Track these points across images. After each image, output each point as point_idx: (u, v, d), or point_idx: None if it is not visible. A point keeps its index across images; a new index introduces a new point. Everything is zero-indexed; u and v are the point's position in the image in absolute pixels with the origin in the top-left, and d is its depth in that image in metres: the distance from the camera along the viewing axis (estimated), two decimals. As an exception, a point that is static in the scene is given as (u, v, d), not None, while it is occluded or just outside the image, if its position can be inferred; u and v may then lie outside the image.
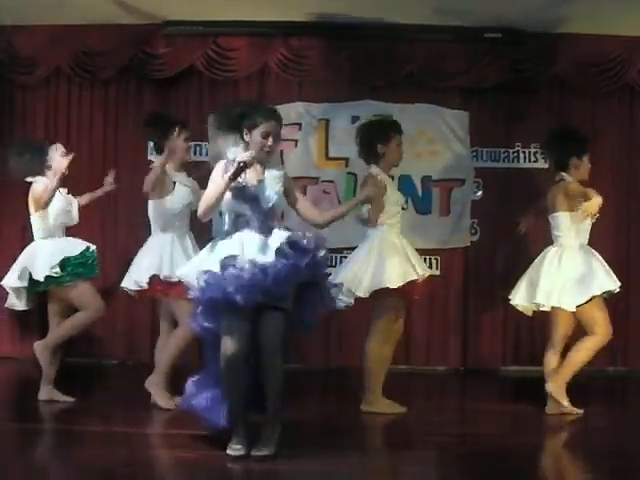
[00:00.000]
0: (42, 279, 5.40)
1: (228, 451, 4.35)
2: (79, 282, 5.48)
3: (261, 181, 4.43)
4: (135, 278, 5.48)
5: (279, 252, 4.28)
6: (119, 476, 4.17)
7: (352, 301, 5.38)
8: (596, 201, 5.17)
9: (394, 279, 5.28)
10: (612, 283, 5.37)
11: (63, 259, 5.42)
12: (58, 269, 5.39)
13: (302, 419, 5.12)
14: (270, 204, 4.41)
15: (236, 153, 4.46)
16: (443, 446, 4.83)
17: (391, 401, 5.45)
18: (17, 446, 4.70)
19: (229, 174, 4.31)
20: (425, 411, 5.71)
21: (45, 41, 6.86)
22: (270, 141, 4.43)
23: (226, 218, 4.47)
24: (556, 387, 5.36)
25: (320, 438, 4.84)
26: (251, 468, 4.26)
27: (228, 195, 4.39)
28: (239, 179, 4.34)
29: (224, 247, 4.38)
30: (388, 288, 5.27)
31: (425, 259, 6.80)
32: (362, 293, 5.31)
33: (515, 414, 5.54)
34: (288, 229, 4.46)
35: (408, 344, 6.99)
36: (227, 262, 4.27)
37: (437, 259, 7.06)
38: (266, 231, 4.38)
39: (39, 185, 5.50)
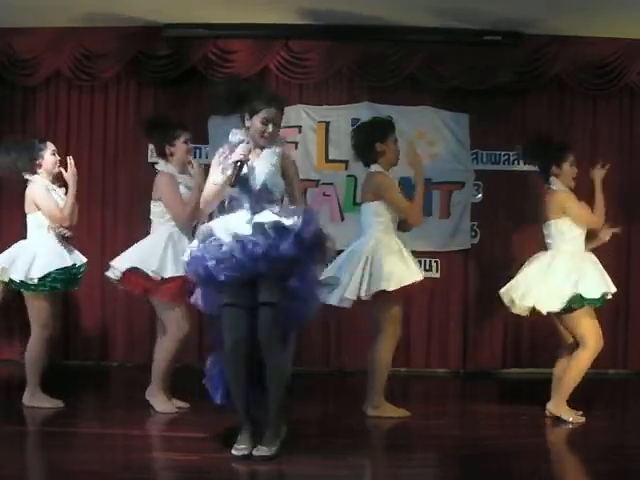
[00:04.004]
0: (18, 281, 5.37)
1: (232, 451, 4.38)
2: (42, 296, 5.41)
3: (252, 162, 4.40)
4: (117, 265, 5.44)
5: (258, 228, 4.25)
6: None
7: (350, 304, 5.37)
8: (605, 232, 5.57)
9: (392, 282, 5.27)
10: (597, 291, 5.29)
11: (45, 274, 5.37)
12: (36, 280, 5.35)
13: (301, 421, 5.11)
14: (259, 185, 4.38)
15: (236, 136, 4.45)
16: (443, 448, 4.84)
17: (394, 406, 5.45)
18: (14, 449, 4.69)
19: (228, 174, 4.32)
20: (425, 414, 5.71)
21: (45, 43, 6.85)
22: (270, 128, 4.41)
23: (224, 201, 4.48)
24: (557, 407, 5.36)
25: (321, 440, 4.85)
26: (253, 470, 4.27)
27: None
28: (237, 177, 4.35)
29: (211, 224, 4.41)
30: (386, 290, 5.27)
31: (425, 261, 6.84)
32: (363, 294, 5.28)
33: (515, 416, 5.53)
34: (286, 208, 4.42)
35: (408, 347, 6.99)
36: (207, 238, 4.31)
37: (437, 261, 7.06)
38: (258, 211, 4.37)
39: (37, 187, 5.48)
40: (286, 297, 4.31)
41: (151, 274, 5.30)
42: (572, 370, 5.32)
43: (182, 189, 5.45)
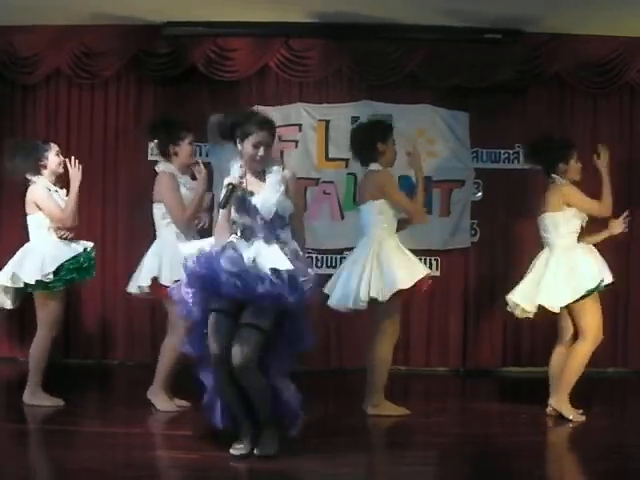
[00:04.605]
0: (33, 282, 5.38)
1: (231, 450, 4.39)
2: (55, 293, 5.44)
3: (260, 191, 4.44)
4: (139, 283, 5.48)
5: (275, 274, 4.27)
6: (120, 478, 4.18)
7: (365, 306, 5.38)
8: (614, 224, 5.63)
9: (406, 280, 5.30)
10: (594, 281, 5.32)
11: (57, 266, 5.39)
12: (51, 275, 5.37)
13: (303, 420, 5.12)
14: (271, 215, 4.41)
15: (236, 165, 4.46)
16: (443, 447, 4.85)
17: (394, 405, 5.46)
18: (16, 447, 4.70)
19: (221, 201, 4.35)
20: (425, 412, 5.71)
21: (45, 41, 6.84)
22: (261, 151, 4.42)
23: (235, 230, 4.48)
24: (559, 402, 5.38)
25: (321, 439, 4.85)
26: (253, 469, 4.28)
27: (232, 209, 4.42)
28: (238, 193, 4.37)
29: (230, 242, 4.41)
30: (400, 290, 5.29)
31: (425, 260, 6.82)
32: (381, 297, 5.30)
33: (515, 415, 5.54)
34: (297, 255, 4.45)
35: (408, 345, 7.00)
36: (227, 245, 4.33)
37: (437, 260, 7.06)
38: (272, 239, 4.41)
39: (38, 188, 5.48)
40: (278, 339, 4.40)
41: (165, 282, 5.31)
42: (572, 363, 5.34)
43: (182, 190, 5.46)
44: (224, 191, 4.36)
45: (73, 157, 5.58)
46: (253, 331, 4.28)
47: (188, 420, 5.23)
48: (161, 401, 5.44)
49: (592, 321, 5.33)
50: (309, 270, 4.42)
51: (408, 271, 5.35)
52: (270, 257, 4.32)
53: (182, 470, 4.40)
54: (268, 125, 4.48)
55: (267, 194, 4.43)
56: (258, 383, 4.33)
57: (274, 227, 4.43)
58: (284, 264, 4.29)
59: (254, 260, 4.30)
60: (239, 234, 4.44)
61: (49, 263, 5.38)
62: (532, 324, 6.54)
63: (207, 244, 4.47)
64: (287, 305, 4.29)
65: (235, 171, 4.40)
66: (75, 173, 5.52)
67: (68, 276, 5.43)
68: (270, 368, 4.42)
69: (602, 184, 5.57)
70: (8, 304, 5.59)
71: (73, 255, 5.47)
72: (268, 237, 4.40)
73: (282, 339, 4.43)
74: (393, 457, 4.73)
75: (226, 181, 4.37)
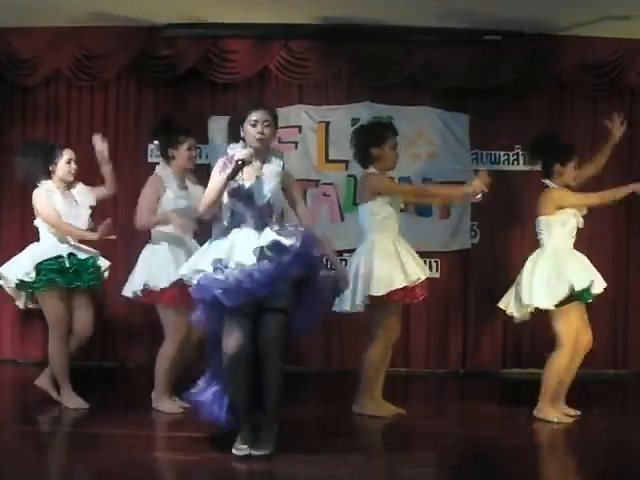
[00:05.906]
0: (17, 282, 5.38)
1: (233, 451, 4.41)
2: (52, 292, 5.39)
3: (257, 177, 4.47)
4: (132, 288, 5.49)
5: (261, 254, 4.32)
6: (121, 479, 4.17)
7: (362, 309, 5.39)
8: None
9: (380, 286, 5.28)
10: (584, 280, 5.32)
11: (37, 264, 5.34)
12: (33, 274, 5.33)
13: (302, 421, 5.13)
14: (264, 201, 4.44)
15: (235, 149, 4.48)
16: (442, 448, 4.85)
17: (388, 404, 5.46)
18: (19, 449, 4.70)
19: (228, 172, 4.35)
20: (424, 414, 5.72)
21: (45, 43, 6.85)
22: (259, 128, 4.45)
23: (225, 215, 4.52)
24: (539, 410, 5.39)
25: (320, 440, 4.86)
26: (253, 470, 4.28)
27: (225, 193, 4.43)
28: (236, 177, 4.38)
29: (217, 247, 4.44)
30: (377, 296, 5.28)
31: (425, 262, 6.79)
32: (357, 300, 5.32)
33: (515, 417, 5.54)
34: (285, 226, 4.48)
35: (408, 347, 6.99)
36: (215, 265, 4.35)
37: (437, 262, 7.06)
38: (262, 228, 4.43)
39: (39, 193, 5.45)
40: (296, 305, 4.41)
41: (154, 286, 5.33)
42: (548, 374, 5.37)
43: (170, 194, 5.45)
44: (232, 166, 4.37)
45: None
46: (275, 315, 4.34)
47: (189, 421, 5.22)
48: (166, 405, 5.46)
49: (569, 329, 5.31)
50: (303, 231, 4.44)
51: (385, 277, 5.28)
52: (259, 241, 4.36)
53: (184, 471, 4.40)
54: (264, 106, 4.56)
55: (264, 181, 4.47)
56: (278, 368, 4.38)
57: (264, 215, 4.45)
58: (268, 238, 4.34)
59: (240, 264, 4.32)
60: (228, 220, 4.48)
61: (28, 263, 5.36)
62: (532, 326, 6.54)
63: (197, 261, 4.49)
64: (290, 270, 4.33)
65: (245, 150, 4.42)
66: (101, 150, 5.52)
67: (47, 276, 5.33)
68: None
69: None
70: (19, 303, 5.60)
71: (53, 256, 5.38)
72: (257, 224, 4.43)
73: (305, 301, 4.45)
74: (393, 459, 4.73)
75: (237, 156, 4.38)
